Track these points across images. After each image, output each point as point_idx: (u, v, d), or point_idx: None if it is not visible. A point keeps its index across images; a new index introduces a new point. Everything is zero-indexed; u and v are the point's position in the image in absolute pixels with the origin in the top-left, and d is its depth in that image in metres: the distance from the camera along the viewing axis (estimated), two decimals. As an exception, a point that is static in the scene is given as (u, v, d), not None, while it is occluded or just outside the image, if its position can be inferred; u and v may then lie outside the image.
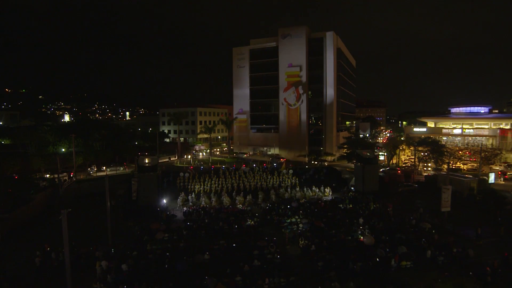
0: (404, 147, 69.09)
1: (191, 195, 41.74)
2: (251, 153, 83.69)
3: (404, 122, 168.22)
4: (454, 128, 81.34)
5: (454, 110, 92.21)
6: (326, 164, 66.79)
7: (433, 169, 58.65)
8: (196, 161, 70.85)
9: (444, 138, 76.64)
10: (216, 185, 45.00)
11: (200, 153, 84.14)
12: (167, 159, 74.07)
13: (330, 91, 77.39)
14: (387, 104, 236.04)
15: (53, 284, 21.86)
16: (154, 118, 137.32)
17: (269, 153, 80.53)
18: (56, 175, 47.30)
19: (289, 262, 24.27)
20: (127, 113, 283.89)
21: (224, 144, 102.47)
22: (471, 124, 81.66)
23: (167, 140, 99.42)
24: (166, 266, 23.16)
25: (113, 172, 59.12)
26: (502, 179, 52.88)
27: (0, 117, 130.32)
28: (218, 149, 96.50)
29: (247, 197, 41.20)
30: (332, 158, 74.91)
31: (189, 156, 78.05)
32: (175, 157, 76.60)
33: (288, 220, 32.53)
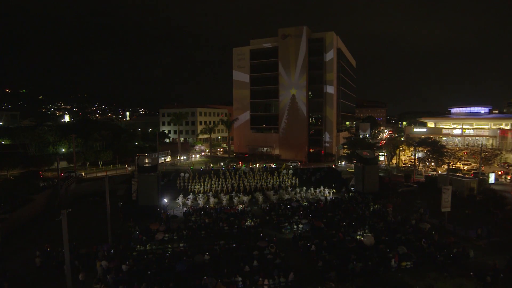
0: (404, 147, 69.09)
1: (191, 195, 41.75)
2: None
3: (404, 123, 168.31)
4: (454, 128, 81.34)
5: (454, 110, 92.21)
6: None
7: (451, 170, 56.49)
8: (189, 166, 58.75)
9: (444, 138, 76.62)
10: (216, 185, 45.01)
11: (193, 155, 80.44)
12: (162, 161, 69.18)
13: (330, 91, 77.44)
14: (387, 104, 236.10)
15: (53, 284, 21.85)
16: (154, 118, 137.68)
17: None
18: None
19: (289, 262, 24.24)
20: (127, 113, 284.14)
21: (224, 145, 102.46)
22: (471, 125, 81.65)
23: (167, 140, 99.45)
24: (166, 266, 23.15)
25: (112, 172, 59.13)
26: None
27: (0, 117, 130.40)
28: (221, 149, 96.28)
29: (245, 197, 41.18)
30: (332, 159, 74.94)
31: (182, 158, 73.58)
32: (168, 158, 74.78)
33: (287, 223, 32.51)
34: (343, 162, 69.50)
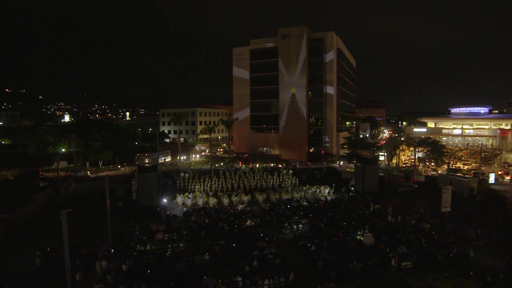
0: (404, 147, 69.10)
1: (191, 195, 41.70)
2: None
3: (404, 123, 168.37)
4: (454, 128, 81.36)
5: (454, 110, 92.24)
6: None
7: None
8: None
9: (444, 138, 76.64)
10: (216, 185, 44.98)
11: (193, 155, 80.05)
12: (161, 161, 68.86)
13: (330, 91, 77.46)
14: (387, 104, 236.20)
15: (53, 284, 21.85)
16: (154, 118, 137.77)
17: None
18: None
19: (289, 262, 24.25)
20: (127, 113, 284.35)
21: (224, 144, 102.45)
22: (471, 125, 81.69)
23: (167, 140, 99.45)
24: (166, 266, 23.15)
25: (112, 172, 59.13)
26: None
27: (0, 117, 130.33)
28: (221, 149, 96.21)
29: (245, 197, 41.16)
30: (332, 159, 74.95)
31: (182, 158, 73.20)
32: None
33: (287, 223, 32.50)
34: (341, 162, 69.63)
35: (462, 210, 34.41)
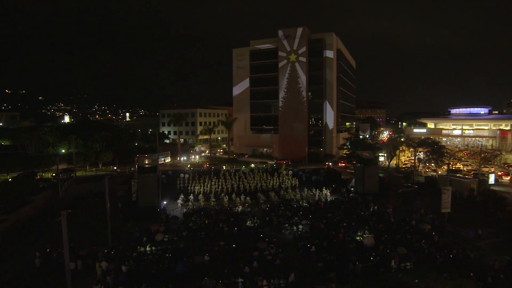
0: (404, 148, 69.06)
1: (191, 196, 41.70)
2: None
3: (404, 123, 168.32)
4: (454, 129, 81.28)
5: (454, 111, 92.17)
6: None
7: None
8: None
9: (444, 139, 76.59)
10: (216, 186, 44.96)
11: (193, 155, 79.77)
12: (161, 161, 67.28)
13: (330, 92, 77.48)
14: (387, 105, 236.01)
15: (53, 285, 21.83)
16: (154, 119, 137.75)
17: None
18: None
19: (289, 263, 24.23)
20: (127, 114, 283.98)
21: (224, 145, 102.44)
22: (471, 125, 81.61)
23: (167, 141, 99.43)
24: (166, 267, 23.13)
25: (112, 172, 59.01)
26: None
27: (0, 118, 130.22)
28: (221, 150, 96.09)
29: (246, 198, 41.14)
30: (333, 159, 74.85)
31: (182, 159, 72.46)
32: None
33: (287, 223, 32.48)
34: (330, 163, 69.54)
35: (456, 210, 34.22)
